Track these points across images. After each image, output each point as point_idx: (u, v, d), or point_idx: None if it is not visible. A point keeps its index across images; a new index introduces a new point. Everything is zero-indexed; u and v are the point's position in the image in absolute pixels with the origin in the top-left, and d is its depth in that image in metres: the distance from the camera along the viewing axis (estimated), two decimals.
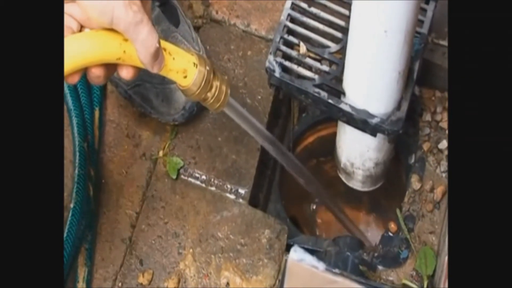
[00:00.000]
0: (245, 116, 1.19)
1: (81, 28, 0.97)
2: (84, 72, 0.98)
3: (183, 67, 1.02)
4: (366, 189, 1.45)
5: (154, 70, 0.98)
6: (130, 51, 0.96)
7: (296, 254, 1.19)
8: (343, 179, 1.45)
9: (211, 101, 1.07)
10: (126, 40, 0.95)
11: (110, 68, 0.99)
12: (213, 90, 1.06)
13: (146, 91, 1.39)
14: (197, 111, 1.42)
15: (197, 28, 1.49)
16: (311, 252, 1.39)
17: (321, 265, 1.19)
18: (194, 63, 1.02)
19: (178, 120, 1.41)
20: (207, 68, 1.04)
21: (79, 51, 0.94)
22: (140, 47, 0.95)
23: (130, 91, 1.42)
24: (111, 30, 0.95)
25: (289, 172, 1.36)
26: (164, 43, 1.00)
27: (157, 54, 0.96)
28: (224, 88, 1.07)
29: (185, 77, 1.02)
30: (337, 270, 1.28)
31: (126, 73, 0.99)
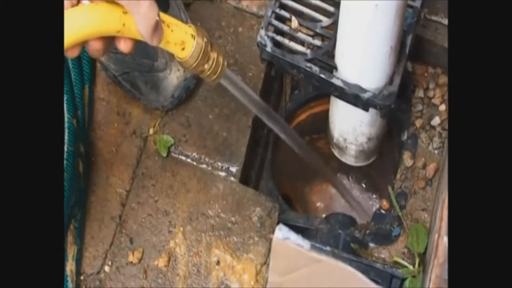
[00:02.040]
0: (241, 87, 1.19)
1: (78, 1, 0.97)
2: (83, 45, 0.98)
3: (181, 39, 1.02)
4: (359, 164, 1.45)
5: (154, 43, 0.98)
6: (129, 24, 0.96)
7: (281, 233, 1.17)
8: (336, 154, 1.44)
9: (208, 73, 1.07)
10: (125, 12, 0.95)
11: (109, 40, 0.99)
12: (210, 62, 1.06)
13: (135, 79, 1.38)
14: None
15: (187, 5, 1.47)
16: (302, 229, 1.38)
17: (306, 244, 1.18)
18: (192, 35, 1.03)
19: (167, 107, 1.41)
20: (205, 39, 1.04)
21: (80, 24, 0.94)
22: (140, 20, 0.95)
23: (119, 77, 1.41)
24: (111, 2, 0.95)
25: (285, 142, 1.35)
26: (163, 15, 1.00)
27: (157, 27, 0.97)
28: (221, 59, 1.08)
29: (183, 49, 1.03)
30: (327, 248, 1.28)
31: (124, 45, 0.99)
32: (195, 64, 1.05)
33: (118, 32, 0.97)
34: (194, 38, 1.03)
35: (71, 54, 0.97)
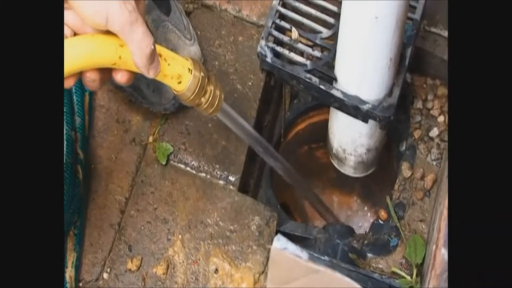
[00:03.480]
0: (238, 121, 1.20)
1: (75, 35, 0.97)
2: (79, 76, 0.97)
3: (178, 73, 1.02)
4: (358, 175, 1.45)
5: (150, 75, 0.98)
6: (125, 56, 0.96)
7: (279, 243, 1.17)
8: (335, 165, 1.45)
9: (205, 106, 1.07)
10: (122, 45, 0.95)
11: (106, 72, 0.99)
12: (207, 95, 1.06)
13: (137, 81, 1.38)
14: None
15: (188, 13, 1.48)
16: (301, 239, 1.38)
17: (304, 254, 1.18)
18: (189, 69, 1.03)
19: (169, 109, 1.41)
20: (202, 73, 1.04)
21: (75, 55, 0.94)
22: (135, 49, 0.94)
23: None
24: (107, 34, 0.95)
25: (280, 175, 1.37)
26: (159, 48, 1.01)
27: (153, 57, 0.96)
28: (218, 93, 1.08)
29: (180, 82, 1.03)
30: (326, 257, 1.28)
31: (121, 77, 0.99)
32: (192, 97, 1.05)
33: (114, 64, 0.97)
34: (191, 72, 1.03)
35: (66, 84, 0.96)
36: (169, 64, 1.01)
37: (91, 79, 0.98)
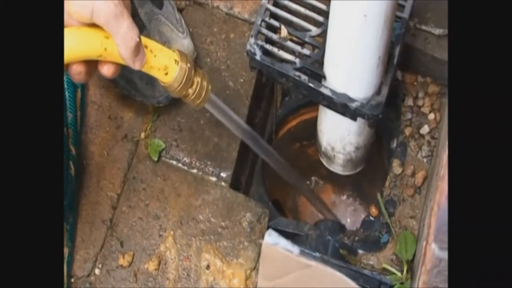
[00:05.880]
0: (226, 112, 1.21)
1: None
2: (66, 69, 0.98)
3: (164, 64, 1.03)
4: (346, 173, 1.45)
5: (136, 67, 0.99)
6: (111, 48, 0.97)
7: (271, 238, 1.18)
8: (324, 163, 1.45)
9: (192, 97, 1.09)
10: (107, 37, 0.97)
11: (92, 65, 1.00)
12: (194, 86, 1.08)
13: (130, 74, 1.39)
14: None
15: (180, 10, 1.48)
16: (292, 235, 1.39)
17: (295, 249, 1.19)
18: (176, 60, 1.04)
19: (163, 102, 1.41)
20: (188, 65, 1.05)
21: None
22: (121, 41, 0.96)
23: None
24: (92, 27, 0.96)
25: (270, 166, 1.37)
26: (145, 40, 1.01)
27: (138, 49, 0.97)
28: (205, 84, 1.09)
29: (166, 74, 1.04)
30: (317, 253, 1.28)
31: (107, 70, 1.00)
32: (178, 88, 1.06)
33: (99, 56, 0.98)
34: (178, 63, 1.04)
35: None
36: (155, 56, 1.02)
37: (77, 72, 0.99)
